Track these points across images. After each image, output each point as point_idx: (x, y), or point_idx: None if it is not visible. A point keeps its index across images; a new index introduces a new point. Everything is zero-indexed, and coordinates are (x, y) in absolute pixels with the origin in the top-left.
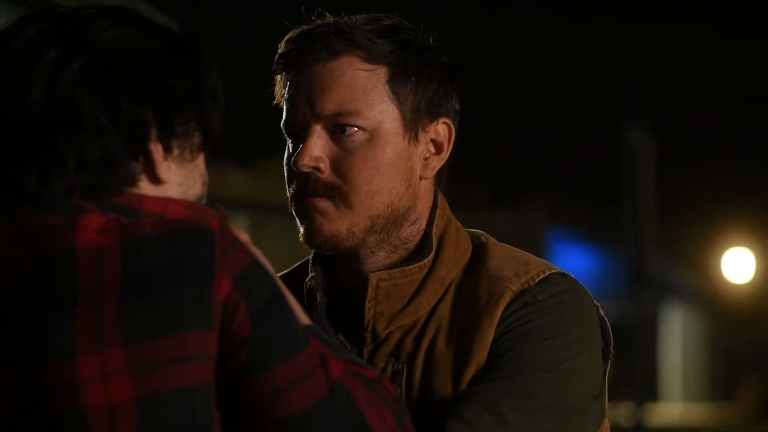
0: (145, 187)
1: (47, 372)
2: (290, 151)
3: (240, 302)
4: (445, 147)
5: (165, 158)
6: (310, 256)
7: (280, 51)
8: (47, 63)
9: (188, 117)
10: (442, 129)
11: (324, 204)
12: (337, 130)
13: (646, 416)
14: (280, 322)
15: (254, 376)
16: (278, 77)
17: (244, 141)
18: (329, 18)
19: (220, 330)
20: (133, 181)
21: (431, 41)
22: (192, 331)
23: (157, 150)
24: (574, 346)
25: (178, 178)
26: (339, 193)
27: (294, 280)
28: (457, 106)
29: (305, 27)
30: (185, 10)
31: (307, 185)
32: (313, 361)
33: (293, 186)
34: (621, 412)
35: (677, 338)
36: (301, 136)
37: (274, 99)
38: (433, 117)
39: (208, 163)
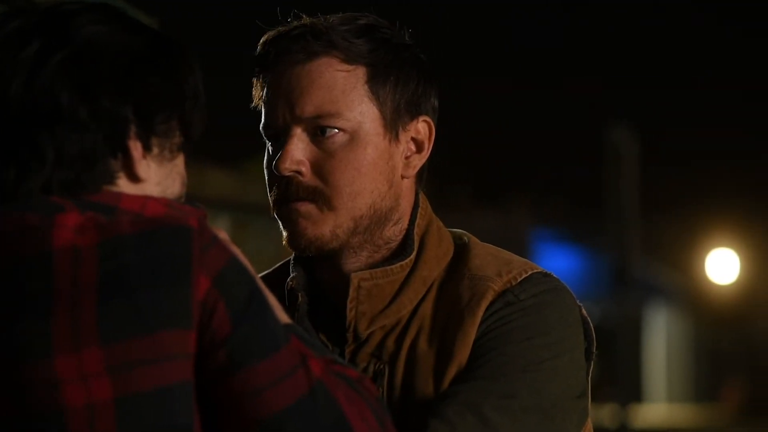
0: (124, 185)
1: (24, 373)
2: (270, 153)
3: (219, 301)
4: (426, 145)
5: (144, 156)
6: (291, 257)
7: (256, 53)
8: (28, 56)
9: (169, 116)
10: (422, 127)
11: (307, 207)
12: (318, 132)
13: (631, 417)
14: (260, 321)
15: (234, 376)
16: (255, 80)
17: (225, 141)
18: (305, 19)
19: (199, 329)
20: (111, 179)
21: (408, 39)
22: (170, 331)
23: (136, 147)
24: (556, 346)
25: (156, 177)
26: (321, 196)
27: (275, 280)
28: (436, 104)
29: (281, 29)
30: (166, 9)
31: (288, 189)
32: (293, 361)
33: (275, 190)
34: (605, 413)
35: (661, 339)
36: (281, 140)
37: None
38: (413, 115)
39: (189, 163)
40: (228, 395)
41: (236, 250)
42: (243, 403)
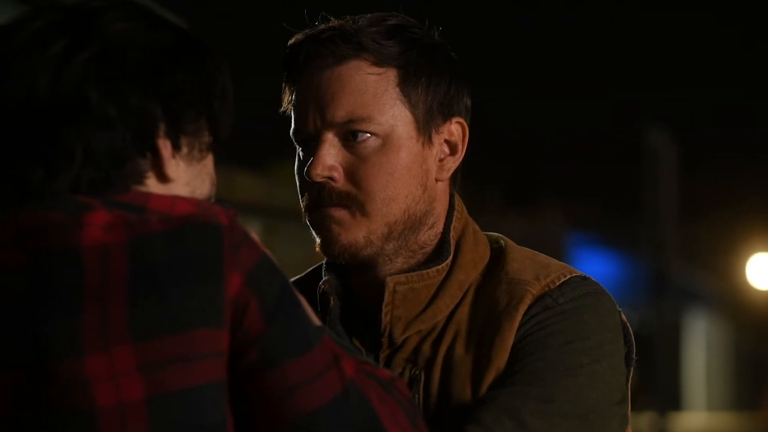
0: (152, 185)
1: (53, 372)
2: (301, 159)
3: (251, 299)
4: (460, 147)
5: (173, 155)
6: (324, 261)
7: (285, 57)
8: (55, 54)
9: (198, 115)
10: (455, 129)
11: (340, 213)
12: (349, 137)
13: (669, 426)
14: (292, 320)
15: (266, 375)
16: (284, 84)
17: (254, 144)
18: (334, 21)
19: (231, 328)
20: (140, 178)
21: (438, 38)
22: (202, 329)
23: (165, 146)
24: (595, 351)
25: (186, 177)
26: (354, 201)
27: (307, 284)
28: (469, 104)
29: (309, 32)
30: (193, 9)
31: (321, 195)
32: (325, 360)
33: (307, 196)
34: (643, 422)
35: (700, 346)
36: (312, 145)
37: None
38: (446, 117)
39: (218, 166)
40: (260, 395)
41: (266, 249)
42: (275, 403)
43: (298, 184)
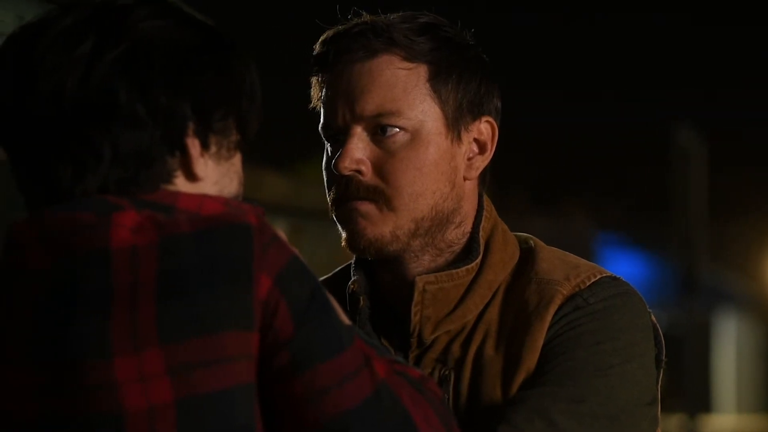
0: (181, 184)
1: (82, 374)
2: (329, 154)
3: (281, 300)
4: (489, 146)
5: (202, 154)
6: (352, 260)
7: (315, 52)
8: (84, 52)
9: (226, 113)
10: (485, 128)
11: (367, 207)
12: (378, 131)
13: (699, 428)
14: (323, 321)
15: (297, 377)
16: (314, 80)
17: (281, 143)
18: (366, 16)
19: (261, 330)
20: (169, 177)
21: (470, 39)
22: (231, 331)
23: (194, 145)
24: (625, 351)
25: (214, 176)
26: (382, 196)
27: (336, 284)
28: (499, 105)
29: (341, 27)
30: (222, 8)
31: (348, 189)
32: (357, 361)
33: (334, 190)
34: (672, 424)
35: (731, 347)
36: (340, 139)
37: (311, 101)
38: (476, 116)
39: (245, 165)
40: (291, 397)
41: (295, 250)
42: (306, 405)
43: (325, 179)
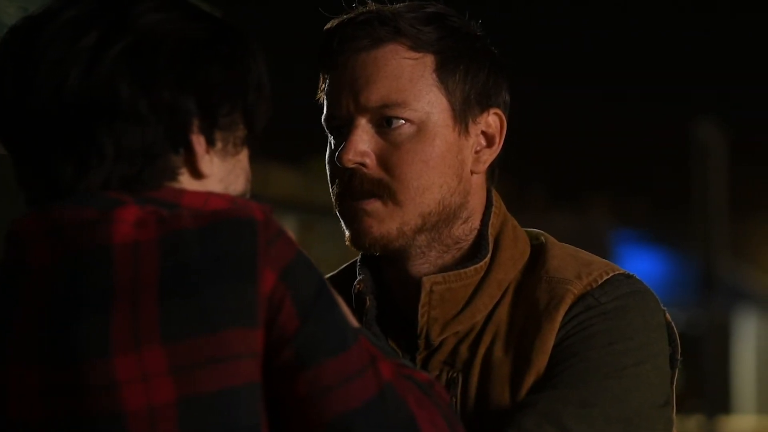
0: (186, 182)
1: (82, 373)
2: (332, 147)
3: (286, 296)
4: (497, 139)
5: (207, 151)
6: (358, 258)
7: (321, 42)
8: (86, 46)
9: (232, 108)
10: (493, 120)
11: (372, 206)
12: (383, 123)
13: (718, 429)
14: (329, 318)
15: (300, 374)
16: (319, 70)
17: (290, 138)
18: (371, 5)
19: (266, 326)
20: (173, 175)
21: (478, 30)
22: (235, 329)
23: (199, 142)
24: (638, 352)
25: (220, 173)
26: (387, 190)
27: (341, 282)
28: (508, 99)
29: (346, 15)
30: (227, 1)
31: (352, 182)
32: (362, 360)
33: (337, 184)
34: (691, 425)
35: (751, 347)
36: (344, 131)
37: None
38: (484, 107)
39: (253, 161)
40: (294, 395)
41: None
42: (309, 404)
43: (328, 172)
